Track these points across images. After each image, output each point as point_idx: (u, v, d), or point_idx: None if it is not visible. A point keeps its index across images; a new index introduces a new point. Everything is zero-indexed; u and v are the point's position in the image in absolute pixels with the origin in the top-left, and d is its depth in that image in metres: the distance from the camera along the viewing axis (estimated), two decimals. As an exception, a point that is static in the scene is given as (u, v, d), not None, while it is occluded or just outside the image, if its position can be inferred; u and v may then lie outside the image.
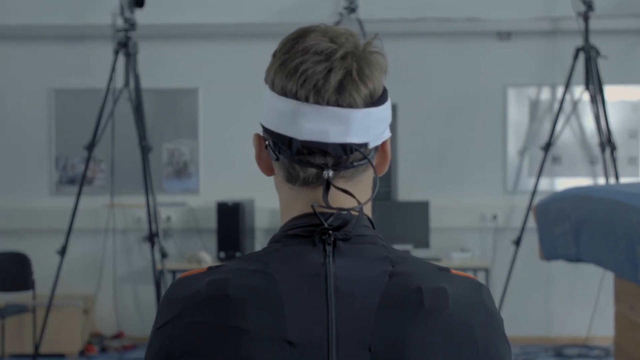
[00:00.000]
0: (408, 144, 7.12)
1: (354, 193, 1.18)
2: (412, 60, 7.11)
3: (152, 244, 6.53)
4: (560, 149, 7.02)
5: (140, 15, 6.43)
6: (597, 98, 6.58)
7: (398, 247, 6.67)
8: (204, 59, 7.14)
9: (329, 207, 1.15)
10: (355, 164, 1.18)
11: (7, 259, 6.44)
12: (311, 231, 1.16)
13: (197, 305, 1.13)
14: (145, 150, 6.32)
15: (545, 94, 7.09)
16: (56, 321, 6.51)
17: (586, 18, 6.63)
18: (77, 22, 7.06)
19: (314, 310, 1.11)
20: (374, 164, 1.21)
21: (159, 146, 7.05)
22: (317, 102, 1.15)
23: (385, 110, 1.20)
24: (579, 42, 6.68)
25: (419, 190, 7.08)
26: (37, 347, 6.23)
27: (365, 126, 1.16)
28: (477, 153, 7.11)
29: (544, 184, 6.92)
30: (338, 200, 1.17)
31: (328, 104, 1.15)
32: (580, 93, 6.76)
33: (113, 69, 6.30)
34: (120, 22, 6.29)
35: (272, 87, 1.20)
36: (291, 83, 1.17)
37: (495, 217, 7.04)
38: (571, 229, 3.91)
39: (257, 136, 1.23)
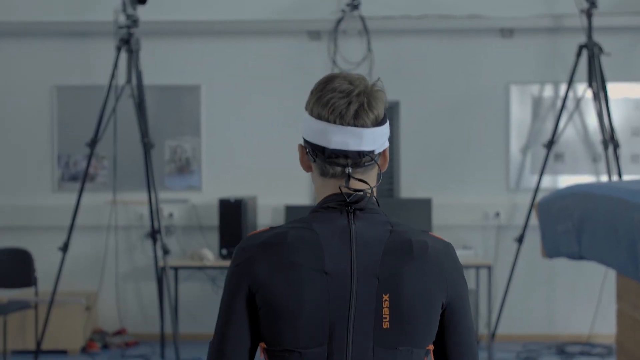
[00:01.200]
0: (410, 142, 7.11)
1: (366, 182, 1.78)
2: (414, 57, 7.09)
3: (155, 241, 6.53)
4: (562, 146, 7.01)
5: (143, 12, 6.43)
6: (600, 95, 6.56)
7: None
8: (207, 55, 7.13)
9: (350, 190, 1.75)
10: (366, 164, 1.77)
11: (9, 256, 6.44)
12: (339, 204, 1.76)
13: (266, 248, 1.72)
14: (147, 147, 6.32)
15: (548, 92, 7.07)
16: (58, 318, 6.51)
17: (589, 15, 6.61)
18: (79, 19, 7.06)
19: (341, 253, 1.71)
20: (379, 164, 1.80)
21: (162, 143, 7.04)
22: (341, 124, 1.74)
23: (385, 128, 1.79)
24: (581, 39, 6.67)
25: (421, 188, 7.06)
26: (39, 343, 6.24)
27: (372, 139, 1.76)
28: (479, 150, 7.10)
29: (547, 182, 6.91)
30: (355, 187, 1.76)
31: (348, 125, 1.74)
32: (583, 90, 6.75)
33: (115, 66, 6.29)
34: (122, 18, 6.28)
35: (311, 113, 1.77)
36: (324, 111, 1.75)
37: (497, 214, 7.03)
38: (573, 226, 3.90)
39: (300, 146, 1.83)
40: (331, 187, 1.77)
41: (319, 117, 1.75)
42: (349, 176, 1.75)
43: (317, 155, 1.76)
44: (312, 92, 1.79)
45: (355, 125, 1.73)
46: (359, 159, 1.75)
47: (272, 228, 1.77)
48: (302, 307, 1.68)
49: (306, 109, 1.79)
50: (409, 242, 1.74)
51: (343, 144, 1.73)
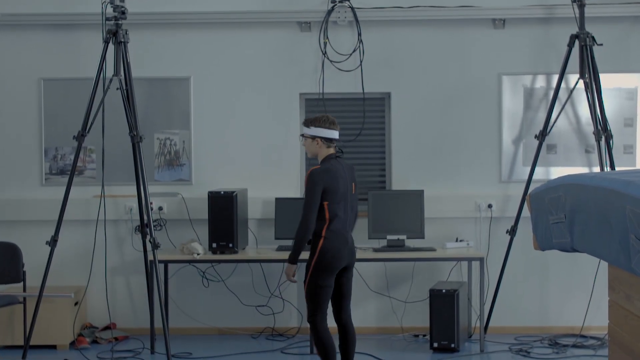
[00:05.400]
0: (402, 133, 7.07)
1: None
2: (405, 48, 7.04)
3: (144, 235, 6.47)
4: (555, 137, 6.97)
5: (131, 4, 6.36)
6: (593, 86, 6.52)
7: (392, 237, 6.65)
8: (196, 47, 7.07)
9: (338, 151, 5.35)
10: (337, 143, 5.40)
11: (-3, 250, 6.37)
12: (334, 156, 5.26)
13: (323, 171, 5.13)
14: (136, 140, 6.25)
15: (540, 82, 7.03)
16: (47, 313, 6.46)
17: (581, 5, 6.57)
18: (66, 11, 6.99)
19: (342, 172, 5.24)
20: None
21: (151, 136, 6.98)
22: (335, 130, 5.27)
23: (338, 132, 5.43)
24: (574, 29, 6.62)
25: (413, 180, 7.02)
26: (27, 338, 6.19)
27: (338, 135, 5.34)
28: (471, 142, 7.05)
29: (539, 173, 6.87)
30: (336, 150, 5.39)
31: (336, 130, 5.29)
32: (576, 81, 6.71)
33: (103, 58, 6.23)
34: (110, 10, 6.21)
35: (323, 127, 5.23)
36: (326, 124, 5.24)
37: (490, 206, 6.99)
38: (566, 217, 3.86)
39: (310, 139, 5.26)
40: (331, 150, 5.19)
41: (329, 128, 5.18)
42: (335, 146, 5.22)
43: (326, 140, 5.18)
44: (318, 120, 5.20)
45: (337, 130, 5.22)
46: (338, 141, 5.22)
47: (321, 165, 5.15)
48: (337, 188, 5.08)
49: (317, 126, 5.17)
50: (350, 166, 5.31)
51: (335, 136, 5.21)
